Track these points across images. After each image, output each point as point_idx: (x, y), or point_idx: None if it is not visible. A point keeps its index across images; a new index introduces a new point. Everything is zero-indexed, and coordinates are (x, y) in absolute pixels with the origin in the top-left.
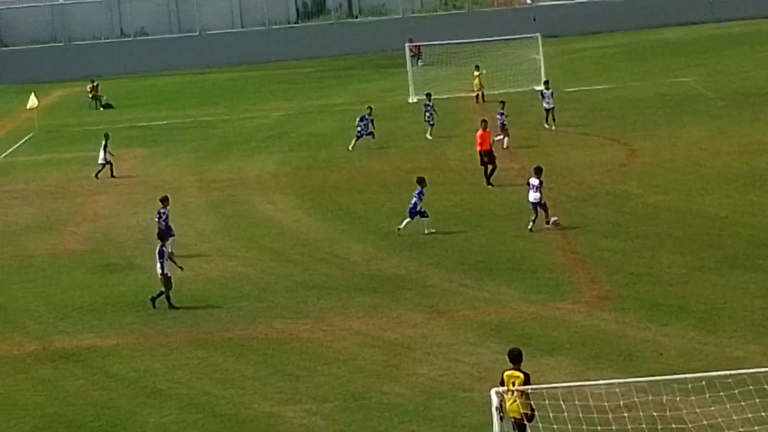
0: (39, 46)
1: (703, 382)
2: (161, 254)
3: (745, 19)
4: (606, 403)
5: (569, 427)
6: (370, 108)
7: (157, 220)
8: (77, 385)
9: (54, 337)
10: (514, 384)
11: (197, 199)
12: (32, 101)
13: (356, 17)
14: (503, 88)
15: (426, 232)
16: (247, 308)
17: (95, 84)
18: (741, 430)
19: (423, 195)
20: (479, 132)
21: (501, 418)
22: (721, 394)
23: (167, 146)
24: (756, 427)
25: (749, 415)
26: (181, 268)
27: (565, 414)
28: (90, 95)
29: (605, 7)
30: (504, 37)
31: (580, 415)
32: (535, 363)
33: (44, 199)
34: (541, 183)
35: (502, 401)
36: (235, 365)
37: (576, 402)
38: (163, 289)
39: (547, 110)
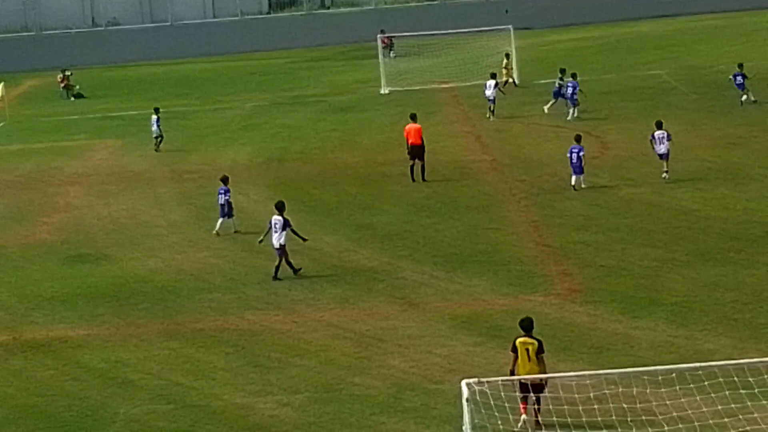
0: (10, 35)
1: (674, 375)
2: (286, 224)
3: (718, 12)
4: (576, 395)
5: (540, 418)
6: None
7: (221, 197)
8: (48, 375)
9: (25, 327)
10: (528, 350)
11: (169, 189)
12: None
13: (329, 8)
14: (476, 80)
15: (583, 186)
16: (219, 299)
17: (67, 74)
18: (711, 422)
19: (582, 151)
20: (407, 126)
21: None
22: (692, 386)
23: (139, 137)
24: (726, 419)
25: (719, 407)
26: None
27: (536, 406)
28: (62, 85)
29: None
30: (477, 28)
31: (551, 406)
32: (506, 355)
33: (15, 190)
34: (669, 135)
35: (514, 367)
36: (206, 356)
37: (547, 393)
38: (285, 259)
39: (490, 100)
